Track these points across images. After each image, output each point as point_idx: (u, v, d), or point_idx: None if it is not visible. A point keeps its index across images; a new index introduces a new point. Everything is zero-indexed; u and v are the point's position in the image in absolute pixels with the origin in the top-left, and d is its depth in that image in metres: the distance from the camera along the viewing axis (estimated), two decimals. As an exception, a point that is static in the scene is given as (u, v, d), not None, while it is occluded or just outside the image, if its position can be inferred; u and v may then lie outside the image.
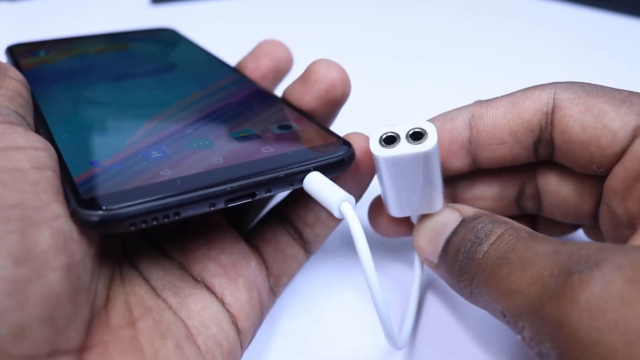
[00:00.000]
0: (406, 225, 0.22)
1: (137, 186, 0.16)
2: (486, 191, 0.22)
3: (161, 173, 0.17)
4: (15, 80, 0.19)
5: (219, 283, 0.18)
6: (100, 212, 0.15)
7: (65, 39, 0.30)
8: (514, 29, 0.50)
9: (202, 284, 0.18)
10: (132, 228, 0.15)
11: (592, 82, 0.19)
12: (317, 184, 0.18)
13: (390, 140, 0.17)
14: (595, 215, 0.20)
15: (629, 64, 0.44)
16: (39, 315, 0.13)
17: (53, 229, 0.14)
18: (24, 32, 0.48)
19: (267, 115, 0.22)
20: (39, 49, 0.29)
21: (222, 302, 0.17)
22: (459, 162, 0.20)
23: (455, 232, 0.18)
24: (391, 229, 0.22)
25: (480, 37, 0.48)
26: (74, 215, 0.15)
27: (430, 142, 0.17)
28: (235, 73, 0.27)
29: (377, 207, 0.22)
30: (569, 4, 0.53)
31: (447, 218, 0.19)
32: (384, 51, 0.45)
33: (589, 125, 0.17)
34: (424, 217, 0.20)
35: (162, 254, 0.19)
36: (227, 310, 0.17)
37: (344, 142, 0.20)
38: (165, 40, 0.33)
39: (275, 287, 0.20)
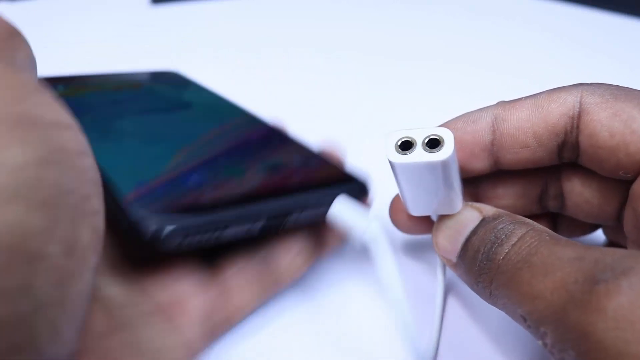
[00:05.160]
0: (427, 222, 0.22)
1: (180, 208, 0.18)
2: (509, 190, 0.21)
3: (202, 197, 0.19)
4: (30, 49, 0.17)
5: (174, 311, 0.18)
6: (169, 227, 0.16)
7: (76, 77, 0.32)
8: (515, 29, 0.50)
9: (158, 311, 0.18)
10: (177, 248, 0.17)
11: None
12: (343, 209, 0.19)
13: (406, 145, 0.17)
14: (618, 216, 0.20)
15: (629, 64, 0.44)
16: (75, 314, 0.12)
17: (93, 225, 0.13)
18: (24, 32, 0.48)
19: (290, 150, 0.24)
20: (56, 84, 0.30)
21: (176, 330, 0.18)
22: (481, 165, 0.20)
23: (474, 232, 0.18)
24: (412, 226, 0.22)
25: (481, 37, 0.48)
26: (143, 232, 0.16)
27: (446, 151, 0.16)
28: (248, 115, 0.29)
29: (398, 203, 0.22)
30: (569, 4, 0.53)
31: (467, 217, 0.19)
32: (384, 52, 0.45)
33: (618, 130, 0.17)
34: (443, 215, 0.20)
35: (127, 276, 0.19)
36: (180, 339, 0.18)
37: (360, 180, 0.22)
38: (174, 83, 0.34)
39: (233, 316, 0.20)
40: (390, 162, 0.17)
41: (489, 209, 0.19)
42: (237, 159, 0.22)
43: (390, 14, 0.52)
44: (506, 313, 0.17)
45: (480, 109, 0.20)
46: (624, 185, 0.19)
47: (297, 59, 0.44)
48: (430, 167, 0.17)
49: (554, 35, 0.49)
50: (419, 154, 0.17)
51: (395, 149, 0.17)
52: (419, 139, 0.17)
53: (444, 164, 0.17)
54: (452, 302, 0.24)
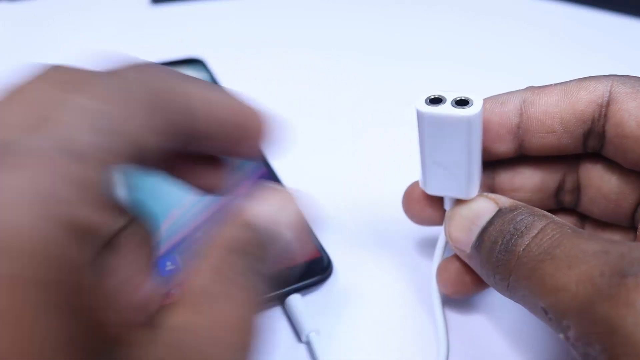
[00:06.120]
0: (439, 213, 0.22)
1: None
2: (526, 182, 0.21)
3: (172, 292, 0.19)
4: None
5: None
6: None
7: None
8: (514, 29, 0.50)
9: None
10: None
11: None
12: (294, 306, 0.22)
13: (436, 101, 0.18)
14: (633, 215, 0.20)
15: (629, 64, 0.44)
16: None
17: None
18: (24, 32, 0.48)
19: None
20: None
21: None
22: (505, 147, 0.20)
23: (491, 222, 0.18)
24: (423, 214, 0.22)
25: (480, 37, 0.48)
26: None
27: (473, 109, 0.17)
28: None
29: (412, 192, 0.22)
30: (569, 4, 0.53)
31: (483, 207, 0.19)
32: (384, 51, 0.45)
33: None
34: (457, 203, 0.20)
35: None
36: None
37: (326, 259, 0.24)
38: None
39: None
40: (418, 113, 0.18)
41: (505, 200, 0.19)
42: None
43: (390, 14, 0.52)
44: (524, 306, 0.17)
45: (509, 92, 0.20)
46: None
47: (298, 59, 0.43)
48: (455, 123, 0.17)
49: (553, 35, 0.49)
50: (447, 108, 0.17)
51: (425, 102, 0.18)
52: (449, 97, 0.18)
53: (468, 122, 0.17)
54: (455, 303, 0.24)
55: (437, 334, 0.22)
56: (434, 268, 0.22)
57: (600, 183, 0.20)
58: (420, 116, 0.18)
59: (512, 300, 0.17)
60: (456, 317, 0.23)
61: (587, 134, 0.19)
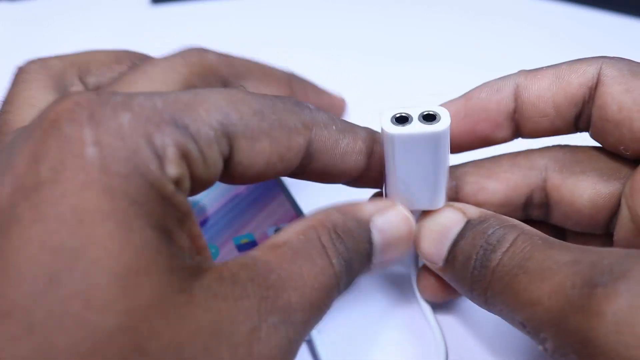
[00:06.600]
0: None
1: None
2: (491, 198, 0.21)
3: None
4: None
5: None
6: None
7: None
8: (514, 28, 0.50)
9: None
10: None
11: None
12: None
13: (402, 120, 0.17)
14: (608, 225, 0.20)
15: (629, 64, 0.44)
16: None
17: None
18: (24, 32, 0.48)
19: (269, 212, 0.24)
20: None
21: None
22: (504, 133, 0.20)
23: (462, 235, 0.18)
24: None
25: (480, 37, 0.48)
26: None
27: (443, 123, 0.17)
28: None
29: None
30: (569, 4, 0.53)
31: (450, 219, 0.19)
32: (384, 51, 0.45)
33: (626, 106, 0.17)
34: (424, 215, 0.19)
35: None
36: None
37: None
38: None
39: None
40: (388, 135, 0.17)
41: (472, 210, 0.19)
42: (214, 231, 0.23)
43: (390, 14, 0.52)
44: (503, 319, 0.17)
45: (502, 78, 0.20)
46: (616, 191, 0.19)
47: (298, 59, 0.43)
48: (426, 139, 0.17)
49: (553, 35, 0.49)
50: (415, 126, 0.17)
51: (392, 122, 0.17)
52: (415, 114, 0.17)
53: (440, 137, 0.17)
54: (450, 306, 0.24)
55: (434, 336, 0.22)
56: (413, 278, 0.22)
57: (572, 198, 0.20)
58: (389, 138, 0.17)
59: (491, 313, 0.17)
60: (455, 317, 0.23)
61: (578, 117, 0.19)
